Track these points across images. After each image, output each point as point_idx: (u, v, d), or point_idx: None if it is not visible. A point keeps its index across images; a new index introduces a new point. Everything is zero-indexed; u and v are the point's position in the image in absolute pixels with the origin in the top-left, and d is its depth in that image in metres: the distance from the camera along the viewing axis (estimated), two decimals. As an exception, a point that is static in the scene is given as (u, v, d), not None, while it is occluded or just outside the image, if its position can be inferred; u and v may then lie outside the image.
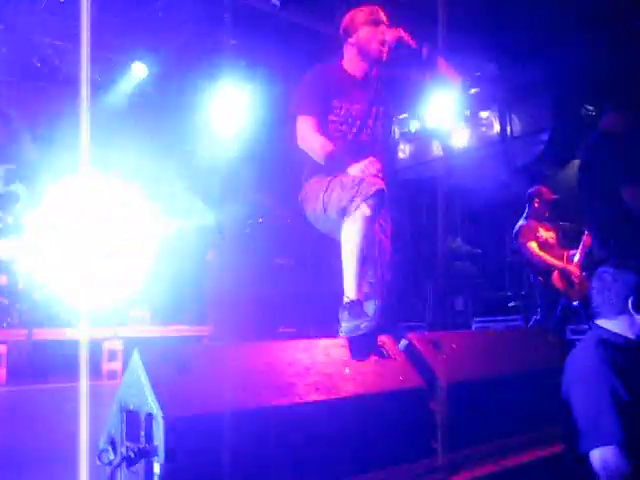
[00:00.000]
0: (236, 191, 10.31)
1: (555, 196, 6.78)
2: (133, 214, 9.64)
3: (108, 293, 7.19)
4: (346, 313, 3.05)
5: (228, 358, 2.44)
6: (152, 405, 2.15)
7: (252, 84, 9.30)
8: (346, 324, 3.01)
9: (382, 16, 3.65)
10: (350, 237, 3.13)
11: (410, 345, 3.04)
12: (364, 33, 3.60)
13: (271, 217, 8.84)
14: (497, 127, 10.45)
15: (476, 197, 10.53)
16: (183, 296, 8.45)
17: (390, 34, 3.54)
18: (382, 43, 3.55)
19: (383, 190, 3.11)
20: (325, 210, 3.35)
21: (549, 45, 8.18)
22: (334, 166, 3.32)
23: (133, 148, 9.76)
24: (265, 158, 10.13)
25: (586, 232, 6.50)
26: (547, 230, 6.70)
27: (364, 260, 3.16)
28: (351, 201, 3.12)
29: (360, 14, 3.66)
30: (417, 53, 3.54)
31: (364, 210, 3.09)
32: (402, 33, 3.53)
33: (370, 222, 3.13)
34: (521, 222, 6.77)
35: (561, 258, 6.50)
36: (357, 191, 3.10)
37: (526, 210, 6.81)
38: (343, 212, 3.19)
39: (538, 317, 6.66)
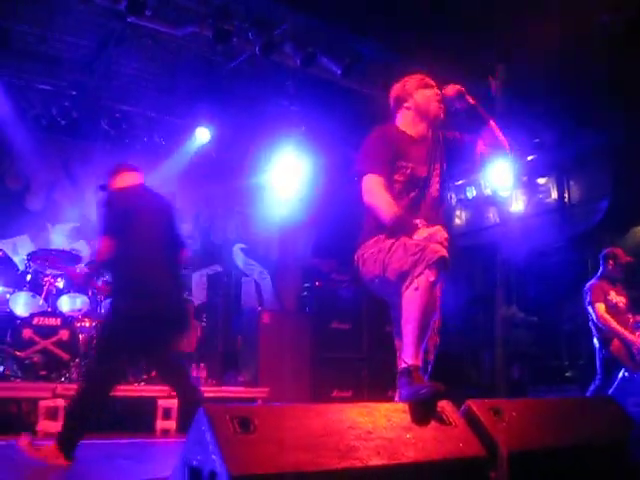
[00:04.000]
0: (293, 255, 10.43)
1: (630, 258, 6.69)
2: (189, 273, 9.83)
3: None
4: (404, 379, 3.03)
5: (291, 418, 2.45)
6: (216, 462, 2.18)
7: (312, 149, 9.48)
8: (405, 390, 2.99)
9: (431, 80, 3.77)
10: (412, 302, 3.11)
11: (470, 411, 3.01)
12: (420, 95, 3.69)
13: (328, 281, 8.87)
14: (555, 194, 10.41)
15: (532, 264, 10.44)
16: (238, 357, 8.49)
17: (450, 88, 3.65)
18: (439, 101, 3.65)
19: (446, 258, 3.12)
20: (384, 272, 3.35)
21: (610, 112, 8.17)
22: (398, 228, 3.34)
23: (192, 210, 10.02)
24: (323, 223, 10.25)
25: None
26: (618, 294, 6.57)
27: (424, 326, 3.14)
28: (414, 266, 3.13)
29: (411, 80, 3.78)
30: (475, 109, 3.67)
31: (427, 276, 3.09)
32: (460, 87, 3.64)
33: (432, 288, 3.13)
34: (593, 281, 6.67)
35: (627, 325, 6.37)
36: (420, 257, 3.11)
37: (600, 270, 6.72)
38: (404, 276, 3.18)
39: (598, 384, 6.49)
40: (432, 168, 3.68)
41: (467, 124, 3.74)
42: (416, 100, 3.69)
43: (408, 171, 3.57)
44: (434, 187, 3.67)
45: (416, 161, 3.62)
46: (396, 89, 3.82)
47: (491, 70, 7.38)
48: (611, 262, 6.64)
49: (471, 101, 3.64)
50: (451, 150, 3.80)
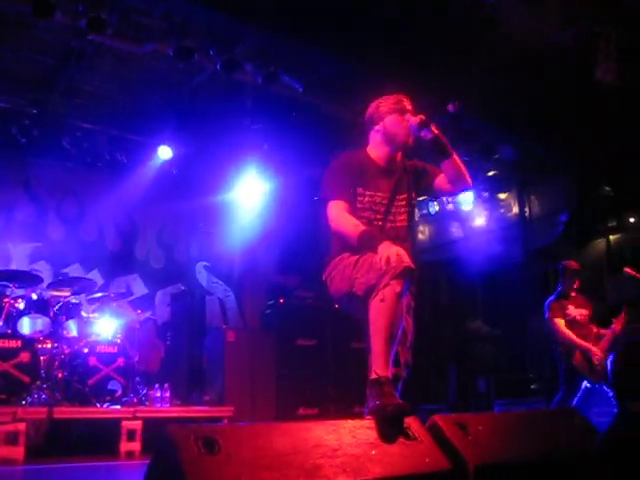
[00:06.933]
0: (257, 272, 10.41)
1: (577, 266, 6.76)
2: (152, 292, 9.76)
3: (128, 372, 7.16)
4: (374, 390, 3.03)
5: (256, 437, 2.43)
6: (181, 483, 2.16)
7: (274, 167, 9.49)
8: (373, 402, 2.98)
9: (408, 105, 3.70)
10: (379, 314, 3.12)
11: (436, 426, 3.02)
12: (390, 121, 3.65)
13: (292, 298, 8.87)
14: (516, 209, 10.56)
15: (495, 278, 10.54)
16: (203, 376, 8.42)
17: (413, 118, 3.57)
18: (408, 130, 3.59)
19: (412, 268, 3.14)
20: (352, 287, 3.36)
21: (568, 128, 8.31)
22: (366, 245, 3.34)
23: (155, 228, 9.96)
24: (286, 240, 10.26)
25: (624, 307, 6.49)
26: (578, 307, 6.62)
27: (392, 337, 3.15)
28: (380, 279, 3.14)
29: (386, 102, 3.71)
30: (438, 140, 3.55)
31: (394, 287, 3.10)
32: (424, 117, 3.55)
33: (398, 299, 3.13)
34: (551, 298, 6.72)
35: (589, 337, 6.44)
36: (386, 269, 3.12)
37: (558, 286, 6.78)
38: (371, 290, 3.19)
39: (560, 396, 6.55)
40: (397, 199, 3.67)
41: (431, 154, 3.66)
42: (385, 125, 3.66)
43: (366, 199, 3.59)
44: (400, 217, 3.68)
45: (377, 190, 3.62)
46: (370, 108, 3.78)
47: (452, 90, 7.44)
48: (563, 274, 6.72)
49: (435, 131, 3.54)
50: (415, 180, 3.76)
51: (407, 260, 3.14)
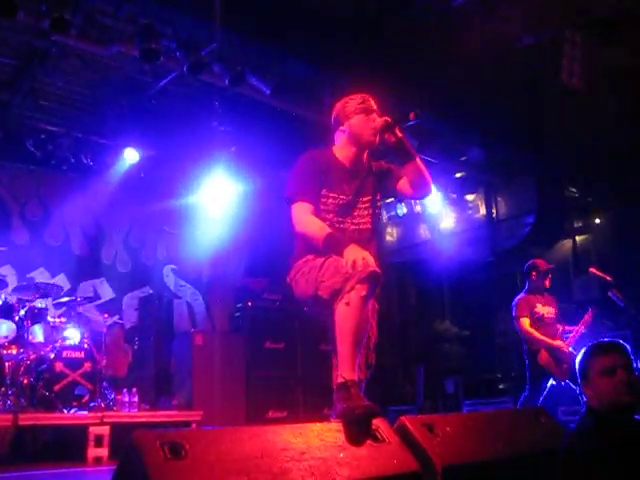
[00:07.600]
0: (226, 275, 10.37)
1: (551, 265, 6.81)
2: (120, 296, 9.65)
3: (95, 377, 7.08)
4: (342, 394, 3.02)
5: (223, 442, 2.41)
6: (147, 490, 2.13)
7: (242, 169, 9.46)
8: (341, 405, 2.97)
9: (373, 104, 3.69)
10: (345, 318, 3.11)
11: (404, 428, 3.02)
12: (356, 121, 3.64)
13: (260, 301, 8.86)
14: (483, 210, 10.64)
15: (463, 279, 10.62)
16: (172, 380, 8.36)
17: (378, 120, 3.59)
18: (374, 131, 3.59)
19: (378, 272, 3.14)
20: (317, 290, 3.34)
21: (532, 130, 8.39)
22: (332, 249, 3.33)
23: (121, 232, 9.86)
24: (254, 243, 10.23)
25: (590, 310, 6.56)
26: (545, 305, 6.66)
27: (358, 340, 3.14)
28: (346, 282, 3.13)
29: (352, 102, 3.70)
30: (401, 143, 3.58)
31: (359, 291, 3.09)
32: (389, 119, 3.57)
33: (364, 303, 3.13)
34: (520, 295, 6.75)
35: (555, 336, 6.48)
36: (352, 272, 3.11)
37: (526, 285, 6.82)
38: (337, 293, 3.18)
39: (526, 395, 6.60)
40: (361, 201, 3.67)
41: (395, 157, 3.69)
42: (351, 125, 3.65)
43: (329, 200, 3.58)
44: (364, 219, 3.68)
45: (340, 191, 3.61)
46: (336, 109, 3.77)
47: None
48: (534, 273, 6.75)
49: (399, 134, 3.56)
50: (380, 181, 3.77)
51: (373, 264, 3.14)
